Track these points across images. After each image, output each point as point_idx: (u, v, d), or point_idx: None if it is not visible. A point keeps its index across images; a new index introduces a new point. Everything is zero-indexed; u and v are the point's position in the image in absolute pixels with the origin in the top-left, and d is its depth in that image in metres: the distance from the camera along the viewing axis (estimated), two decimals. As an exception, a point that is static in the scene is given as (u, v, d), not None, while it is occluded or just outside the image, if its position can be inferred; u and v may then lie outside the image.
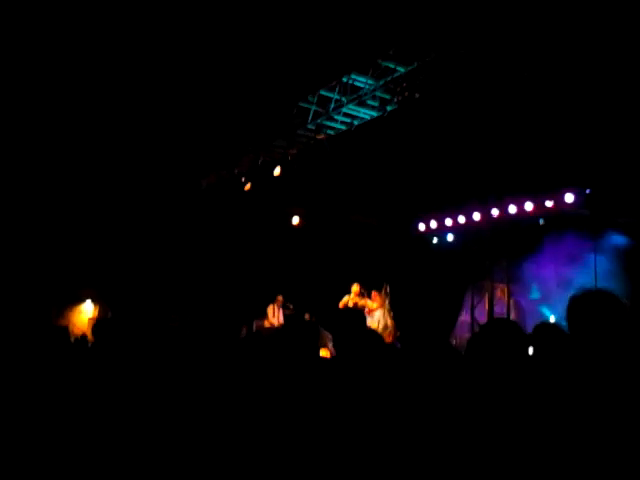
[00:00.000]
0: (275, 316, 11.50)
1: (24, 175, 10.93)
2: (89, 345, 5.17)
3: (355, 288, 10.64)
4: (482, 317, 9.96)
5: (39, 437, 3.32)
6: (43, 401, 3.58)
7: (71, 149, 10.67)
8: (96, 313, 12.86)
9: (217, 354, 4.07)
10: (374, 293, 10.70)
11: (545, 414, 2.14)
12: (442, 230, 12.24)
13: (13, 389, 3.65)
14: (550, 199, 10.09)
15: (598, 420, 1.97)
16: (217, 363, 3.76)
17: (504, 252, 10.27)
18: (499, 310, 9.71)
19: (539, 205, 10.23)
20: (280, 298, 11.51)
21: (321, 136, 9.47)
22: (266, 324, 11.44)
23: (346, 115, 9.33)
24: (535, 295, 10.62)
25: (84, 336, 6.60)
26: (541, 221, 10.57)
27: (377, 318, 10.14)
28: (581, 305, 2.24)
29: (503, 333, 2.60)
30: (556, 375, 2.56)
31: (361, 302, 10.38)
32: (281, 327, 10.66)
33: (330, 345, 7.96)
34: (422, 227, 12.51)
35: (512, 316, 8.71)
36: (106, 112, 9.71)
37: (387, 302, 10.34)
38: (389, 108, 8.72)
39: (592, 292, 2.29)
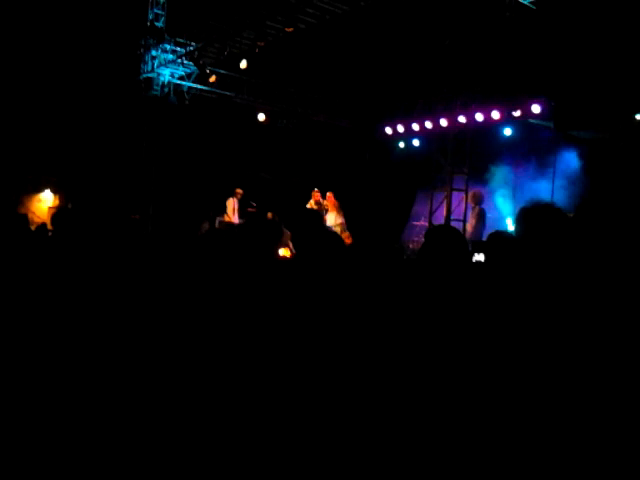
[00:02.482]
0: (234, 211, 11.54)
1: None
2: (49, 234, 5.16)
3: (315, 195, 10.89)
4: (440, 223, 10.16)
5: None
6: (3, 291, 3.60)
7: (29, 31, 10.13)
8: (56, 202, 12.69)
9: (176, 250, 4.10)
10: (329, 194, 10.85)
11: (490, 316, 2.27)
12: (408, 135, 12.21)
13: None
14: (517, 108, 10.11)
15: (542, 320, 2.11)
16: (176, 259, 3.79)
17: (467, 160, 10.35)
18: (458, 216, 9.91)
19: (505, 113, 10.25)
20: (239, 191, 11.50)
21: (290, 29, 9.12)
22: (226, 219, 11.48)
23: (318, 8, 8.97)
24: (495, 203, 10.88)
25: (44, 225, 6.54)
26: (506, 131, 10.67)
27: (329, 220, 10.37)
28: (528, 216, 2.36)
29: (442, 238, 2.72)
30: (503, 279, 2.70)
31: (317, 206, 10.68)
32: (240, 224, 10.79)
33: (291, 244, 8.12)
34: (389, 131, 12.43)
35: (471, 223, 8.92)
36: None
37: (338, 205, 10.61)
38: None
39: (539, 205, 2.41)
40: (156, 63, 11.25)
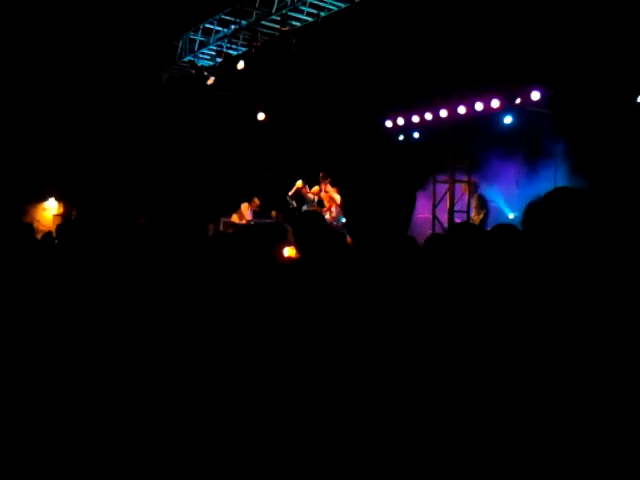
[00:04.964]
0: (244, 217, 11.57)
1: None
2: (55, 242, 5.19)
3: (299, 184, 10.92)
4: (443, 215, 10.18)
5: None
6: (11, 300, 3.64)
7: (35, 40, 10.18)
8: (61, 210, 12.74)
9: (184, 252, 4.13)
10: (332, 188, 10.87)
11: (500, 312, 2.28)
12: (408, 127, 12.20)
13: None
14: (516, 96, 10.08)
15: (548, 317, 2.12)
16: (183, 261, 3.82)
17: (468, 150, 10.34)
18: (460, 208, 9.92)
19: (505, 102, 10.24)
20: (257, 202, 11.53)
21: (286, 28, 9.14)
22: (235, 219, 11.50)
23: (312, 6, 8.98)
24: (496, 193, 10.86)
25: (49, 233, 6.59)
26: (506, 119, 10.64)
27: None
28: (537, 210, 2.32)
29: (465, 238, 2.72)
30: (509, 275, 2.71)
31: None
32: (247, 225, 10.88)
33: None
34: (389, 124, 12.43)
35: (473, 214, 8.92)
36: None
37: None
38: (357, -1, 8.42)
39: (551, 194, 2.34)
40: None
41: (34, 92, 11.15)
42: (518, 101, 10.12)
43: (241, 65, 9.85)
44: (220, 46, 10.18)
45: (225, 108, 12.03)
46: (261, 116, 12.02)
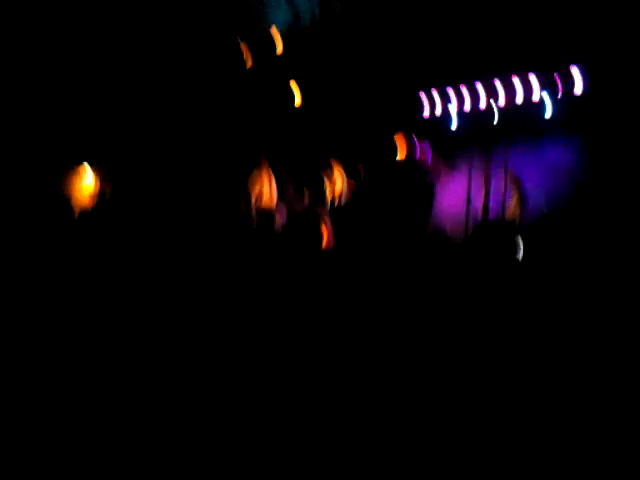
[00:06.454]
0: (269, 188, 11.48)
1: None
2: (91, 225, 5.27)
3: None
4: (478, 207, 10.07)
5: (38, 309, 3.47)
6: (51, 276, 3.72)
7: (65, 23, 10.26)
8: (97, 185, 12.87)
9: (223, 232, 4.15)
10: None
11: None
12: (445, 115, 12.02)
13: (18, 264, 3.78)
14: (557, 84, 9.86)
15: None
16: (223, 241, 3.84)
17: (502, 142, 10.19)
18: (495, 201, 9.80)
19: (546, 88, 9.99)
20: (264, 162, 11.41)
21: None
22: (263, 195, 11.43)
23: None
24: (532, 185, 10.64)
25: (85, 212, 6.70)
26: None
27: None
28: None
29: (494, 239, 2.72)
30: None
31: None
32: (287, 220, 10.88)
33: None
34: (426, 111, 12.28)
35: (511, 207, 8.81)
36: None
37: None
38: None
39: None
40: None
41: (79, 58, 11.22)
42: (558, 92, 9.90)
43: (279, 49, 9.78)
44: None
45: (262, 90, 11.99)
46: (297, 99, 11.92)
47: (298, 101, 11.92)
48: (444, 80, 11.53)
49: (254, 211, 11.59)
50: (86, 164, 12.68)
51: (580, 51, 9.30)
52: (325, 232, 3.65)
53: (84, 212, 6.68)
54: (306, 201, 11.35)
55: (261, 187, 11.70)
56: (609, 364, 1.92)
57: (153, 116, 12.00)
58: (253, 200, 11.76)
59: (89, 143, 12.28)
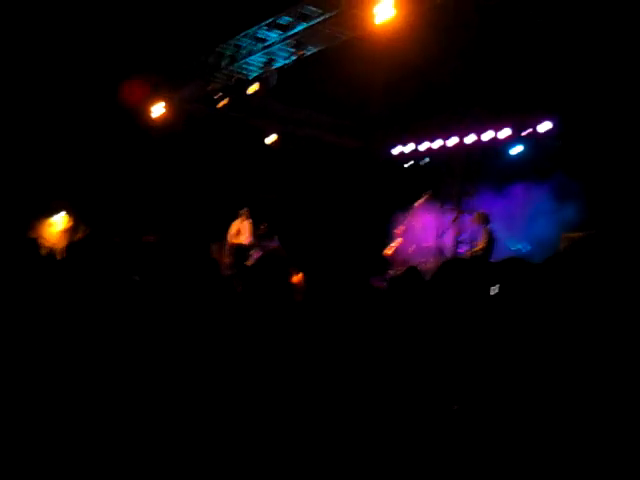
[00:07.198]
0: (244, 232, 11.58)
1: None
2: (57, 260, 5.15)
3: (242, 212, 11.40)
4: (448, 244, 10.13)
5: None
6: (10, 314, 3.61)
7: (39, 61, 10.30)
8: (68, 225, 12.74)
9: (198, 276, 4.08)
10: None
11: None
12: (416, 155, 12.24)
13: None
14: (526, 127, 10.18)
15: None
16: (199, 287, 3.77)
17: (473, 180, 10.38)
18: (466, 237, 9.87)
19: (515, 132, 10.33)
20: (245, 212, 11.56)
21: (300, 52, 9.20)
22: (235, 238, 11.54)
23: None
24: (500, 225, 10.78)
25: (53, 251, 6.58)
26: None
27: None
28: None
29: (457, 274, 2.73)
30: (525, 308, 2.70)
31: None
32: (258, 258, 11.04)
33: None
34: (396, 151, 12.50)
35: (480, 245, 8.89)
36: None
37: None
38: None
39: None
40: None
41: (45, 106, 11.22)
42: (527, 132, 10.20)
43: (254, 88, 9.88)
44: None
45: (235, 130, 12.09)
46: (270, 139, 12.00)
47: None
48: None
49: (231, 248, 11.73)
50: (60, 203, 12.62)
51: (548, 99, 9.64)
52: (292, 269, 3.63)
53: (51, 251, 6.56)
54: (276, 242, 11.54)
55: (240, 229, 11.88)
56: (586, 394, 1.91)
57: (130, 155, 11.99)
58: (230, 239, 11.92)
59: (63, 183, 12.19)
